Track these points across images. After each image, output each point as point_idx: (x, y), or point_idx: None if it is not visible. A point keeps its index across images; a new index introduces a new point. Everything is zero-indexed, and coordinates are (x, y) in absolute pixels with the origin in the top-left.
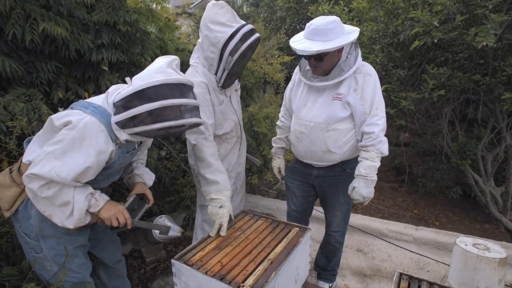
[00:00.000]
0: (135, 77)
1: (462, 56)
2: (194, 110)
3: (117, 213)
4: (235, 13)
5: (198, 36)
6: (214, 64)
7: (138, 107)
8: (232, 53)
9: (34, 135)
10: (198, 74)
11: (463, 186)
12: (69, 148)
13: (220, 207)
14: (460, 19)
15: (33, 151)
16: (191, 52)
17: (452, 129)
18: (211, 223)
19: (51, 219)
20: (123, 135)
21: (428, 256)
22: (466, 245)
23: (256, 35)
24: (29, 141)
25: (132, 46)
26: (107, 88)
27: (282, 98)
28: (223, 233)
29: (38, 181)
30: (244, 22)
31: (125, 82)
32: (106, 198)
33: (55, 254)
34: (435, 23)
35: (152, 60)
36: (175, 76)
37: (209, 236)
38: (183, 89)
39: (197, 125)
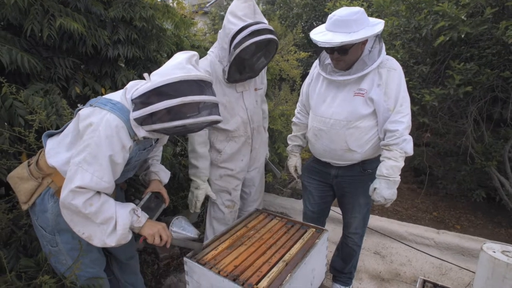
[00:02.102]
0: (153, 73)
1: (489, 52)
2: (214, 107)
3: (161, 230)
4: (257, 10)
5: (214, 34)
6: (227, 55)
7: (157, 103)
8: (236, 46)
9: (52, 129)
10: (205, 61)
11: (487, 189)
12: (98, 150)
13: (196, 188)
14: (490, 12)
15: (57, 152)
16: (206, 49)
17: (478, 129)
18: (220, 220)
19: (90, 241)
20: (141, 132)
21: (450, 261)
22: (494, 252)
23: (267, 36)
24: (47, 135)
25: (148, 42)
26: (123, 84)
27: (298, 95)
28: (196, 209)
29: (84, 195)
30: (261, 21)
31: (141, 78)
32: (147, 216)
33: (70, 248)
34: (463, 17)
35: (168, 56)
36: (195, 72)
37: (220, 236)
38: (203, 85)
39: (216, 122)
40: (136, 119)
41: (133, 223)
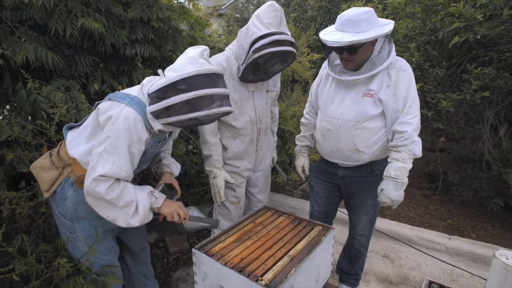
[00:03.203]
0: (168, 68)
1: (509, 55)
2: (225, 98)
3: (177, 208)
4: (283, 22)
5: (229, 36)
6: (244, 54)
7: (173, 97)
8: (255, 51)
9: (72, 122)
10: (222, 56)
11: (505, 198)
12: (117, 141)
13: (214, 177)
14: (508, 13)
15: (77, 144)
16: (220, 50)
17: (495, 134)
18: (226, 216)
19: (116, 222)
20: (157, 125)
21: (462, 268)
22: (507, 258)
23: (287, 48)
24: (68, 128)
25: (164, 42)
26: (140, 82)
27: None
28: (221, 198)
29: (105, 183)
30: (284, 32)
31: (157, 75)
32: (164, 196)
33: (87, 235)
34: (479, 17)
35: None
36: (208, 66)
37: (229, 230)
38: (215, 78)
39: (228, 113)
40: (152, 113)
41: (152, 204)
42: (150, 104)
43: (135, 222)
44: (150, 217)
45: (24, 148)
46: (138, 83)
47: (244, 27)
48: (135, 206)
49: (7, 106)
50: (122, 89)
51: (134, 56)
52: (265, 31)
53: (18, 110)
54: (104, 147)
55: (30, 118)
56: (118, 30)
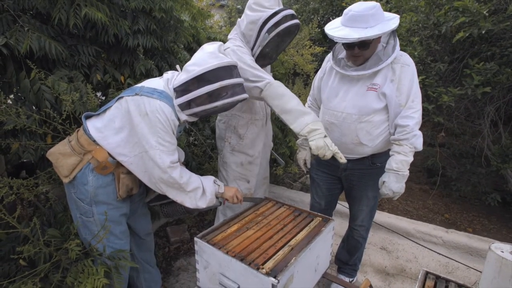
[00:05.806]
0: (188, 63)
1: (511, 50)
2: (240, 86)
3: (236, 192)
4: (280, 1)
5: (230, 27)
6: (251, 41)
7: (200, 89)
8: (269, 30)
9: (76, 113)
10: (234, 41)
11: (502, 193)
12: (161, 132)
13: (325, 136)
14: None
15: (105, 136)
16: (222, 42)
17: (495, 130)
18: (233, 208)
19: (183, 203)
20: (183, 116)
21: (458, 260)
22: (502, 251)
23: (297, 20)
24: (86, 117)
25: (166, 33)
26: (142, 72)
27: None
28: (342, 160)
29: (176, 169)
30: (287, 7)
31: (159, 68)
32: (222, 183)
33: (104, 219)
34: (485, 12)
35: (185, 47)
36: (227, 59)
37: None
38: (234, 69)
39: (244, 99)
40: (180, 105)
41: (217, 190)
42: (177, 97)
43: (203, 204)
44: (214, 201)
45: (30, 137)
46: (140, 74)
47: (243, 16)
48: (201, 191)
49: (11, 96)
50: (125, 79)
51: (136, 47)
52: (272, 11)
53: (22, 100)
54: (156, 139)
55: (34, 107)
56: (120, 20)
